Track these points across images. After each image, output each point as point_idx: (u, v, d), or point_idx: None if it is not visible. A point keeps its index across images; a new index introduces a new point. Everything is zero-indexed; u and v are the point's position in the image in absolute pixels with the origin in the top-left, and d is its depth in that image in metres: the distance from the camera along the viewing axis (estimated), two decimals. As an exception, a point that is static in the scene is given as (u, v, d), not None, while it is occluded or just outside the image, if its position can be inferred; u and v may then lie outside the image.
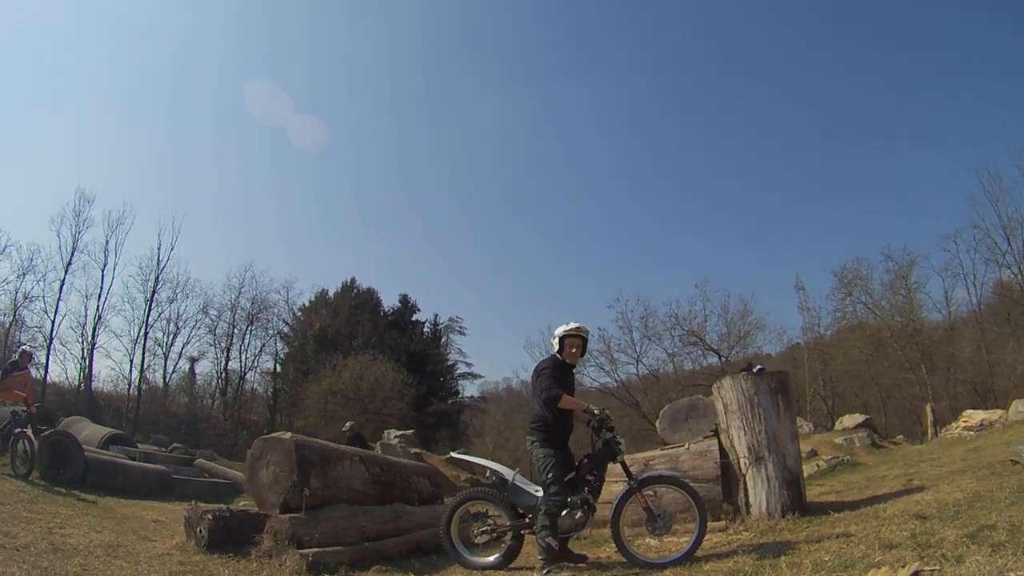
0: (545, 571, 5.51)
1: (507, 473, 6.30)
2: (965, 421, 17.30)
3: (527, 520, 6.07)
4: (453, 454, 8.89)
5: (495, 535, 6.29)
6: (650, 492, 5.87)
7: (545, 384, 6.04)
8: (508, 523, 6.20)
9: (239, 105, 74.67)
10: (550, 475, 5.77)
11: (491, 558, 6.20)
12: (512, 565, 6.12)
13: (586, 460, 5.98)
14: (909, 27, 64.19)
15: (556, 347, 6.28)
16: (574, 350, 6.28)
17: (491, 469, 6.44)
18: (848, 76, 70.40)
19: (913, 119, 66.76)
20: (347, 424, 17.85)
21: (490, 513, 6.81)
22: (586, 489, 5.86)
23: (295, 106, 77.37)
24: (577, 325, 6.29)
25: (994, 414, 17.25)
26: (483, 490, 6.63)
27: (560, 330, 6.27)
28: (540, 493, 5.98)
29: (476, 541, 6.31)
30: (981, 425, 16.39)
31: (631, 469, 5.98)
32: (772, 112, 76.30)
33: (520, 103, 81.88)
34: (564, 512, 5.74)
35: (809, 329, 38.12)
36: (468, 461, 7.88)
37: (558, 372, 6.18)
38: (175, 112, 69.92)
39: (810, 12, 72.71)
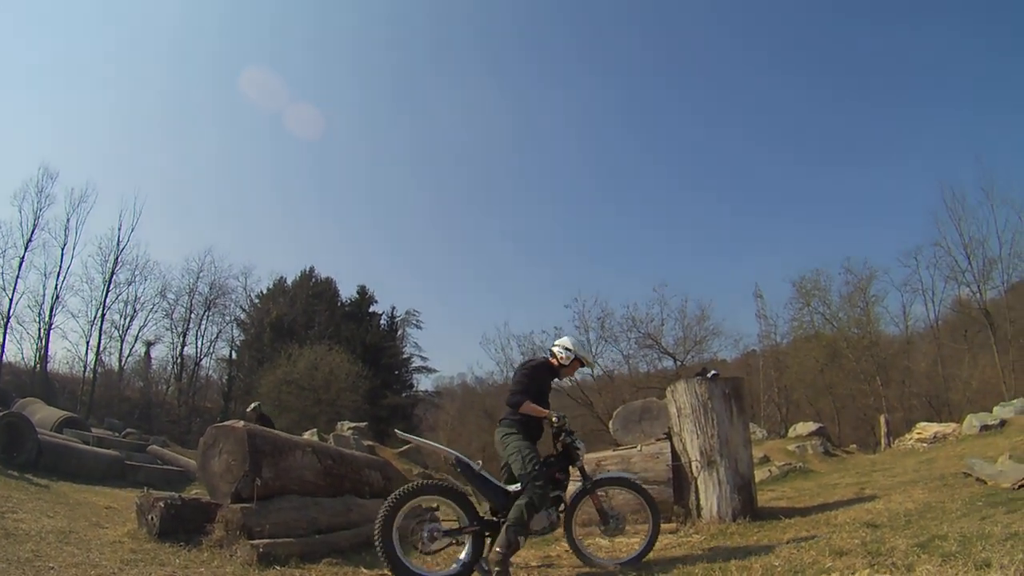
0: (496, 571, 4.98)
1: (472, 463, 5.48)
2: (919, 433, 17.57)
3: (498, 519, 5.33)
4: (398, 431, 7.84)
5: (455, 539, 5.28)
6: (601, 493, 5.79)
7: (516, 387, 5.84)
8: (475, 524, 5.26)
9: (210, 89, 73.53)
10: (536, 467, 5.29)
11: (451, 568, 5.22)
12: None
13: (552, 459, 5.69)
14: (885, 42, 65.02)
15: (562, 356, 6.11)
16: (574, 371, 6.30)
17: (456, 457, 5.52)
18: (816, 87, 71.81)
19: (881, 133, 67.82)
20: (252, 404, 15.65)
21: (442, 511, 5.59)
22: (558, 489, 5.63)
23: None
24: (591, 359, 6.24)
25: (948, 427, 17.54)
26: (436, 484, 5.78)
27: (578, 351, 6.13)
28: (509, 489, 5.51)
29: (431, 548, 5.22)
30: (935, 437, 16.66)
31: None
32: (734, 116, 77.26)
33: (487, 101, 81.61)
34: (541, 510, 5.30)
35: (766, 337, 38.46)
36: (413, 440, 7.25)
37: (539, 375, 6.02)
38: (142, 93, 68.46)
39: (777, 21, 73.29)
